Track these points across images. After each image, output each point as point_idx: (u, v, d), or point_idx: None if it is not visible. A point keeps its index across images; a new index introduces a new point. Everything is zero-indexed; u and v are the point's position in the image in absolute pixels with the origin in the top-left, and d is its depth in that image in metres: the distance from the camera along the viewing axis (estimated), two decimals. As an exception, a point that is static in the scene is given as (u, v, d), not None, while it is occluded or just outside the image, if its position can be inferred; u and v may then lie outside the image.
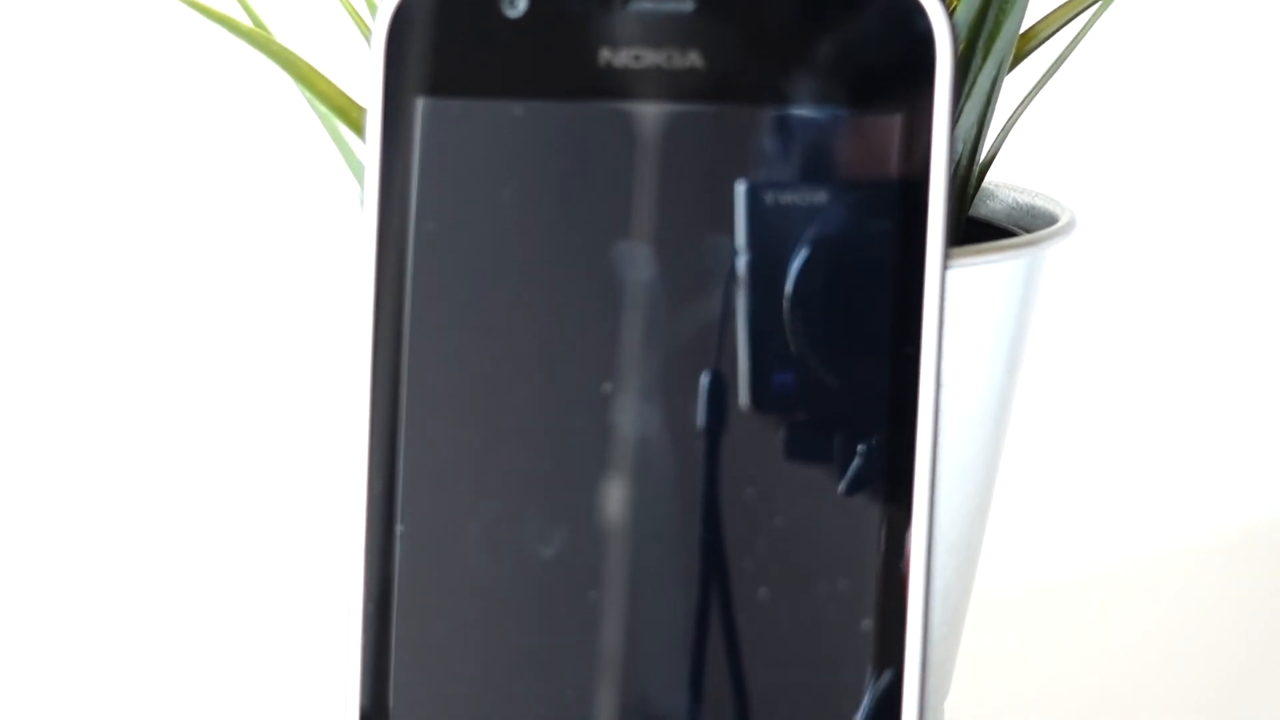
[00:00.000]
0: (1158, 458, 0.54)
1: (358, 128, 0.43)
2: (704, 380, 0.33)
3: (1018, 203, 0.48)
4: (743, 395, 0.33)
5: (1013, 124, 0.46)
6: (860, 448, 0.32)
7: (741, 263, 0.33)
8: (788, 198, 0.33)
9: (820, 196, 0.33)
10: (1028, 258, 0.43)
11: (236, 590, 0.45)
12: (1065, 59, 0.45)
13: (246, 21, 0.43)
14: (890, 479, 0.32)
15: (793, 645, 0.34)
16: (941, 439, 0.31)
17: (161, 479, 0.44)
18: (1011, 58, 0.44)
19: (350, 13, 0.43)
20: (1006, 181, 0.48)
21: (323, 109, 0.43)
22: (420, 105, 0.34)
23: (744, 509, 0.34)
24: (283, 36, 0.43)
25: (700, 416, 0.33)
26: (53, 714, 0.33)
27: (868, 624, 0.32)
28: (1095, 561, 0.50)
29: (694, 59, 0.33)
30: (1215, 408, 0.56)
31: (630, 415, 0.34)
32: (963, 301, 0.41)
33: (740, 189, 0.33)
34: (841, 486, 0.32)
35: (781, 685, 0.34)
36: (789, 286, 0.33)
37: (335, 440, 0.39)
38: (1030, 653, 0.45)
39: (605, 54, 0.33)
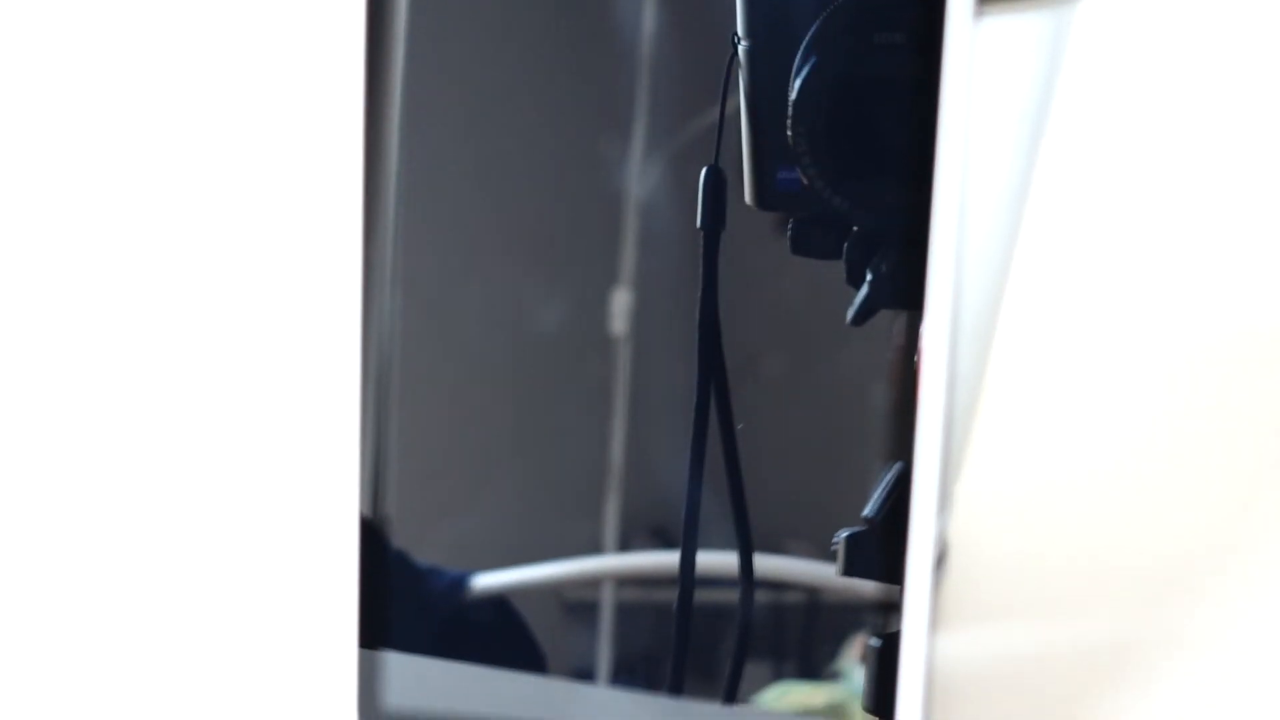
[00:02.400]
0: (1177, 234, 0.54)
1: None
2: (703, 174, 0.33)
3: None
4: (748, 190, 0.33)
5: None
6: (878, 258, 0.32)
7: (744, 51, 0.33)
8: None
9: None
10: (1055, 16, 0.42)
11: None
12: None
13: None
14: (908, 271, 0.31)
15: (798, 434, 0.34)
16: (962, 240, 0.31)
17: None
18: None
19: None
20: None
21: None
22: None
23: (749, 299, 0.34)
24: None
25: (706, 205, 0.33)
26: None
27: (880, 413, 0.32)
28: (1110, 347, 0.50)
29: None
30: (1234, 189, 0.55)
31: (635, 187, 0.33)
32: (989, 67, 0.40)
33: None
34: (858, 304, 0.32)
35: (789, 472, 0.34)
36: (796, 85, 0.32)
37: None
38: (1042, 438, 0.46)
39: None
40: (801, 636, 0.35)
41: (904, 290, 0.31)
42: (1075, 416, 0.47)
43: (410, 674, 0.34)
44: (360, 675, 0.33)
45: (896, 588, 0.32)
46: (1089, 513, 0.44)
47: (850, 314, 0.32)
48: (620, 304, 0.34)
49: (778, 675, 0.35)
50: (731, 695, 0.34)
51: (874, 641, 0.32)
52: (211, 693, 0.38)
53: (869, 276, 0.32)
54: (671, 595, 0.34)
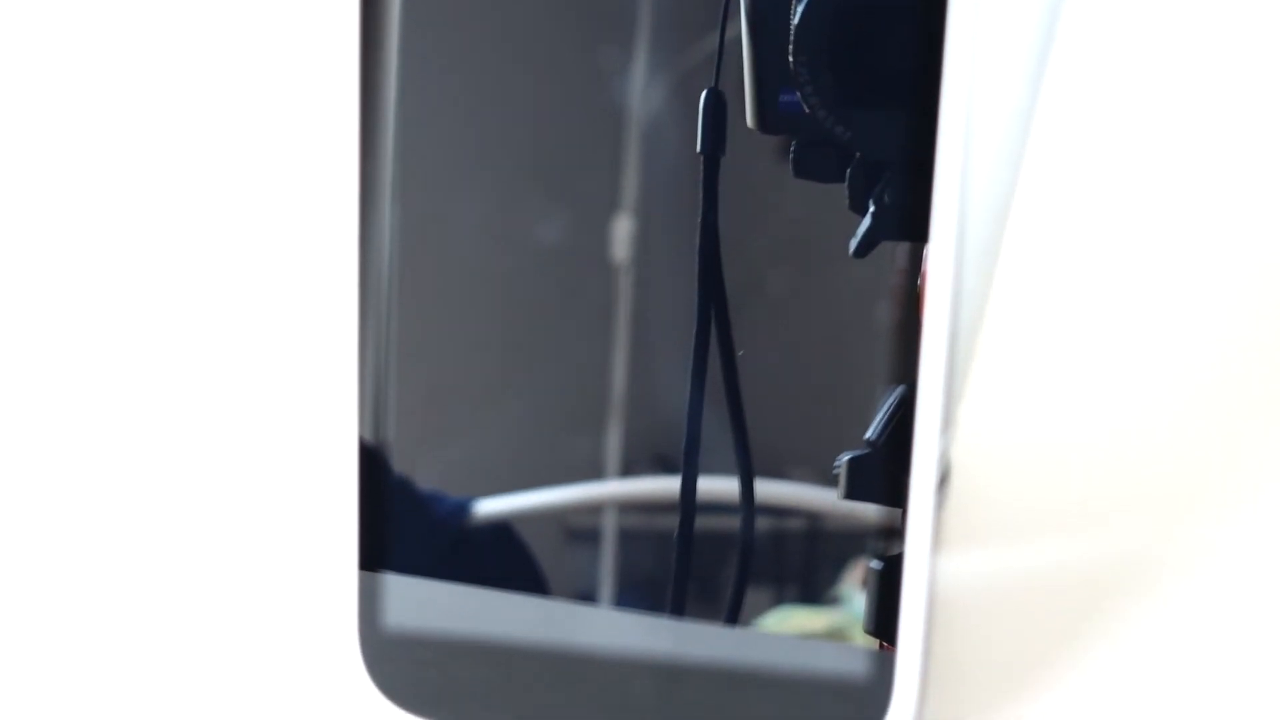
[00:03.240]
0: (1186, 151, 0.53)
1: None
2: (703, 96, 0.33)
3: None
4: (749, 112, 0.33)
5: None
6: (881, 188, 0.32)
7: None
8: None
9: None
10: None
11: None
12: None
13: None
14: (911, 202, 0.31)
15: (800, 359, 0.34)
16: (968, 167, 0.31)
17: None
18: None
19: None
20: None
21: None
22: None
23: (751, 224, 0.34)
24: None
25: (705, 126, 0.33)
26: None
27: (883, 336, 0.31)
28: (1117, 263, 0.50)
29: None
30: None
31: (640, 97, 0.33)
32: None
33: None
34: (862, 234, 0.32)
35: (790, 397, 0.34)
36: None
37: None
38: (1046, 355, 0.46)
39: None
40: (802, 562, 0.35)
41: (907, 222, 0.31)
42: (1081, 333, 0.47)
43: (411, 595, 0.34)
44: (360, 597, 0.34)
45: (898, 511, 0.32)
46: (1094, 430, 0.44)
47: (853, 245, 0.32)
48: (622, 230, 0.34)
49: (779, 600, 0.35)
50: (732, 620, 0.34)
51: (875, 564, 0.32)
52: (211, 617, 0.38)
53: (871, 208, 0.32)
54: (674, 522, 0.34)
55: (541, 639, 0.34)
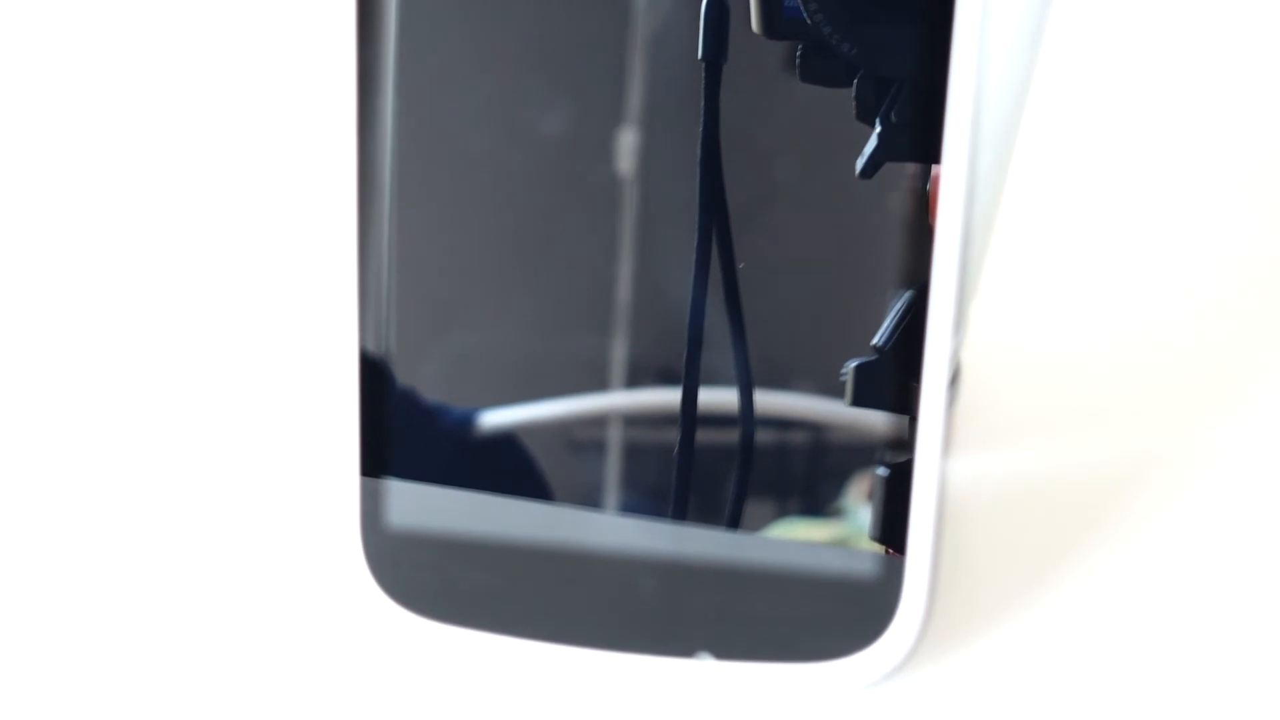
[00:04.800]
0: (1196, 47, 0.53)
1: None
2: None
3: None
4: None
5: None
6: (888, 106, 0.32)
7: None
8: None
9: None
10: None
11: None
12: None
13: None
14: (920, 123, 0.31)
15: (805, 270, 0.34)
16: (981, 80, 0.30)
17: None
18: None
19: None
20: None
21: None
22: None
23: (755, 134, 0.33)
24: None
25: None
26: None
27: (893, 237, 0.31)
28: (1131, 158, 0.50)
29: None
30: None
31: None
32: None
33: None
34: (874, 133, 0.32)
35: (795, 308, 0.34)
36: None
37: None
38: (1059, 254, 0.46)
39: None
40: (805, 474, 0.35)
41: (916, 143, 0.31)
42: (1092, 233, 0.47)
43: (414, 498, 0.34)
44: (363, 499, 0.34)
45: (906, 418, 0.32)
46: (1104, 331, 0.43)
47: (859, 165, 0.32)
48: (626, 140, 0.34)
49: (781, 513, 0.35)
50: (734, 530, 0.34)
51: (882, 471, 0.32)
52: (213, 525, 0.38)
53: (878, 127, 0.32)
54: (677, 434, 0.34)
55: (544, 540, 0.34)
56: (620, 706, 0.33)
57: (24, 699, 0.34)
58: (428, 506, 0.34)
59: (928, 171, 0.31)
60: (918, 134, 0.31)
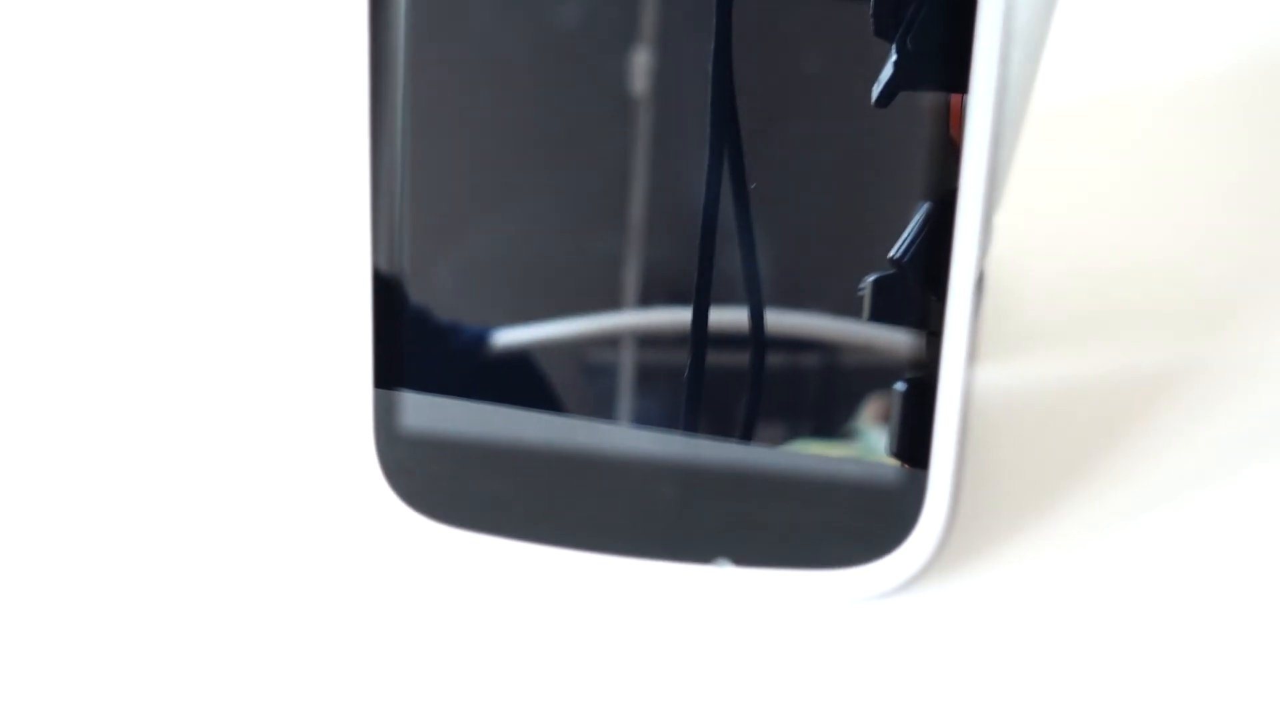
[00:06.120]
0: None
1: None
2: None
3: None
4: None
5: None
6: (904, 30, 0.31)
7: None
8: None
9: None
10: None
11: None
12: None
13: None
14: (940, 51, 0.31)
15: (820, 188, 0.34)
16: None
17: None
18: None
19: None
20: None
21: None
22: None
23: (770, 51, 0.33)
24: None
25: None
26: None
27: (914, 147, 0.31)
28: (1161, 58, 0.50)
29: None
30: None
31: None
32: None
33: None
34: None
35: (809, 228, 0.34)
36: None
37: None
38: (1083, 168, 0.45)
39: None
40: (818, 395, 0.35)
41: (933, 72, 0.31)
42: (1121, 135, 0.46)
43: (428, 407, 0.34)
44: (376, 406, 0.34)
45: (924, 332, 0.32)
46: (1139, 225, 0.43)
47: (875, 94, 0.31)
48: (640, 61, 0.34)
49: (794, 434, 0.35)
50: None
51: (900, 385, 0.32)
52: (231, 436, 0.38)
53: (894, 55, 0.31)
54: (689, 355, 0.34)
55: (560, 447, 0.34)
56: (639, 613, 0.33)
57: (32, 635, 0.33)
58: (442, 415, 0.34)
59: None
60: (934, 61, 0.31)
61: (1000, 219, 0.34)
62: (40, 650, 0.32)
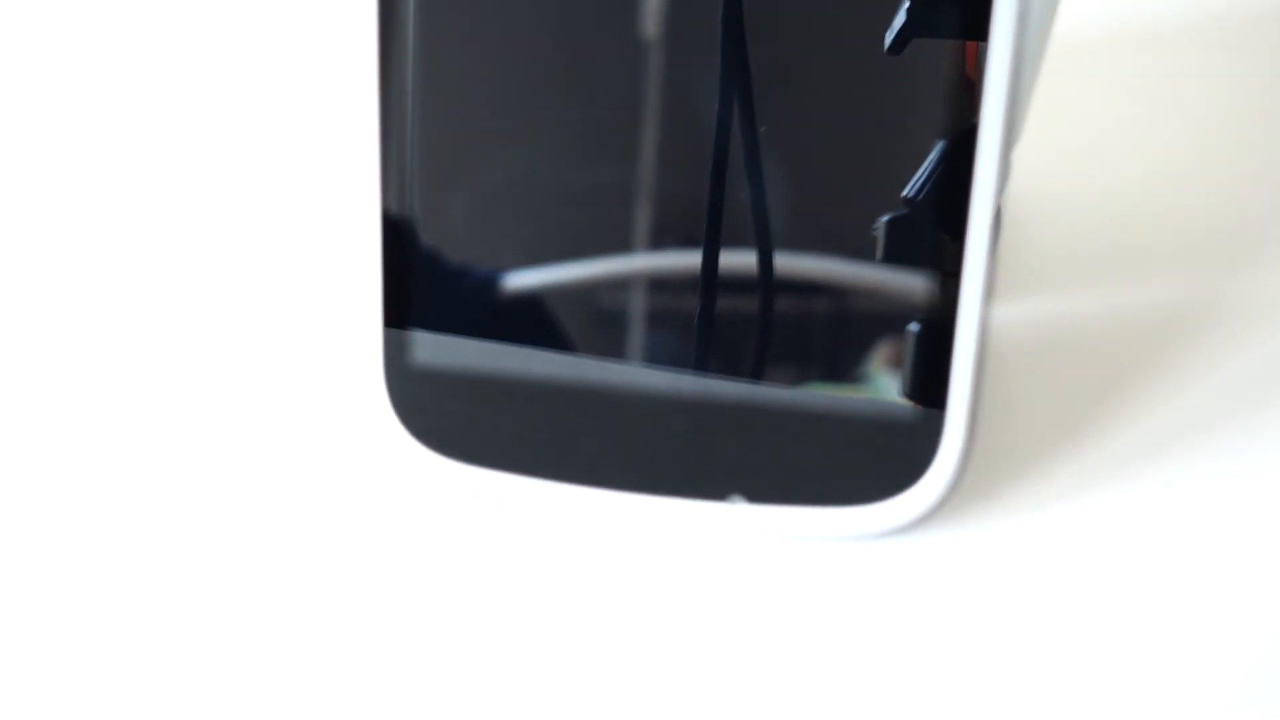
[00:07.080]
0: None
1: None
2: None
3: None
4: None
5: None
6: None
7: None
8: None
9: None
10: None
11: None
12: None
13: None
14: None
15: (834, 129, 0.34)
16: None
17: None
18: None
19: None
20: None
21: None
22: None
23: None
24: None
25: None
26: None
27: (928, 86, 0.31)
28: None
29: None
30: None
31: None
32: None
33: None
34: None
35: (819, 170, 0.34)
36: None
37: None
38: (1104, 102, 0.45)
39: None
40: (829, 338, 0.35)
41: (946, 18, 0.31)
42: (1141, 76, 0.46)
43: (439, 345, 0.34)
44: (387, 345, 0.33)
45: (939, 272, 0.31)
46: (1160, 162, 0.43)
47: (887, 41, 0.31)
48: (652, 2, 0.34)
49: (804, 378, 0.34)
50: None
51: (914, 326, 0.32)
52: (242, 375, 0.38)
53: (906, 2, 0.31)
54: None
55: (572, 384, 0.34)
56: (652, 549, 0.33)
57: (47, 588, 0.33)
58: (452, 351, 0.34)
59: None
60: (948, 7, 0.30)
61: (1016, 154, 0.34)
62: (57, 590, 0.33)
